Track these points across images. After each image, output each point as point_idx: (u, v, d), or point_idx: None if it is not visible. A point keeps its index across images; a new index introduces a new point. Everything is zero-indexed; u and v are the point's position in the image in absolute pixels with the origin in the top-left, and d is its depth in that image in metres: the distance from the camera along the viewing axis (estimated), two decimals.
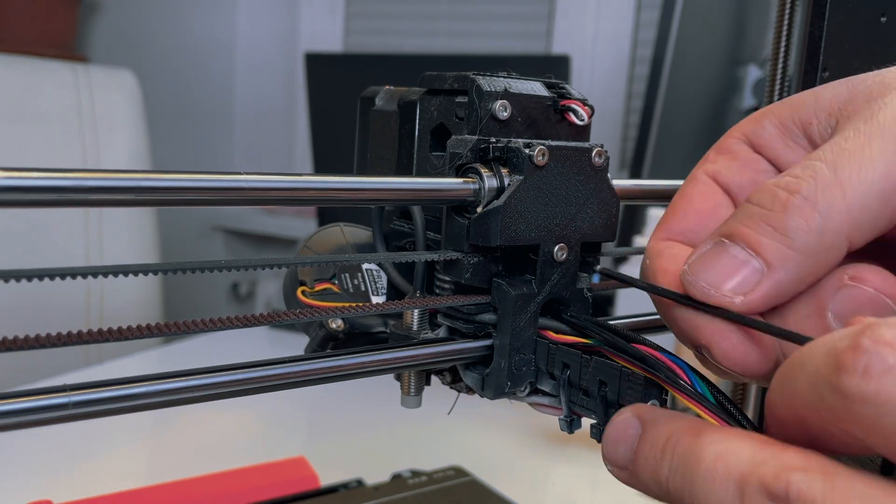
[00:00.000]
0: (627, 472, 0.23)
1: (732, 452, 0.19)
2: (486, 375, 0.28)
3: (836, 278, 0.23)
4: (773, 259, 0.23)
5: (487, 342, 0.28)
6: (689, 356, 0.25)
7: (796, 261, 0.22)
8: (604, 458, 0.24)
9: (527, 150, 0.27)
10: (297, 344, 0.71)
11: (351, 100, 0.35)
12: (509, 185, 0.27)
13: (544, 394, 0.29)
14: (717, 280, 0.23)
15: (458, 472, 0.55)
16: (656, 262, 0.26)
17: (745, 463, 0.19)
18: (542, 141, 0.27)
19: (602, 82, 1.64)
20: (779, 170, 0.26)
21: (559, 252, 0.28)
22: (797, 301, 0.23)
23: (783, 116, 0.26)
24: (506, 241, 0.27)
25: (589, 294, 0.29)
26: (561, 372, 0.27)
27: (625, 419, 0.23)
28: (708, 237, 0.24)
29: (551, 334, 0.28)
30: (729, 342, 0.23)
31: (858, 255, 0.23)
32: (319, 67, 1.09)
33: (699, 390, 0.23)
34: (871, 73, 0.25)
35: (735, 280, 0.23)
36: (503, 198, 0.26)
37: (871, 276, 0.22)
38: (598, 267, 0.30)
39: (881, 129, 0.22)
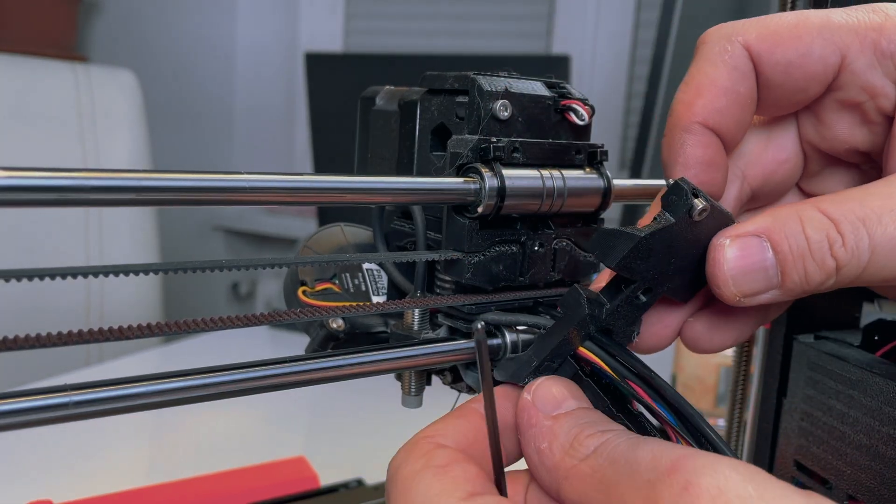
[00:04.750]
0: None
1: None
2: (509, 359, 0.28)
3: None
4: None
5: (492, 342, 0.28)
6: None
7: None
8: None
9: (693, 199, 0.25)
10: (297, 344, 0.71)
11: (351, 100, 0.35)
12: (657, 219, 0.26)
13: None
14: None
15: None
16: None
17: None
18: (707, 196, 0.26)
19: (602, 82, 1.64)
20: None
21: (643, 295, 0.27)
22: None
23: None
24: (619, 270, 0.26)
25: (636, 337, 0.28)
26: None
27: None
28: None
29: (582, 350, 0.27)
30: None
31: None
32: (319, 67, 1.08)
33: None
34: None
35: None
36: (647, 230, 0.25)
37: None
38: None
39: None
